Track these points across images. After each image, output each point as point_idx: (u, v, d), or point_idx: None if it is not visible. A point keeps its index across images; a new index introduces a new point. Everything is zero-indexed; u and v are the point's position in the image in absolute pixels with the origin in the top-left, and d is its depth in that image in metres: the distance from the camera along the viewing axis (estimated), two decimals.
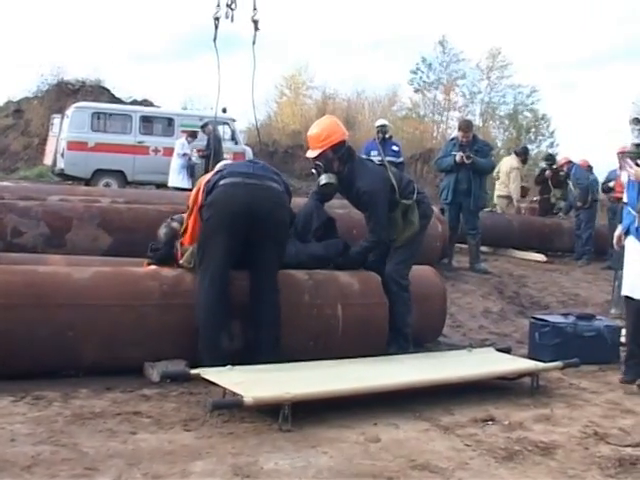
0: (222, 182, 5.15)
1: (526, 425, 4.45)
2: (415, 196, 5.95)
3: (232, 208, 5.08)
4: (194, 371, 4.54)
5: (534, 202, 15.25)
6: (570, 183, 13.84)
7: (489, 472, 3.64)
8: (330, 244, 5.95)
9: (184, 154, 15.90)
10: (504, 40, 44.13)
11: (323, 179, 5.79)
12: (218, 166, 5.47)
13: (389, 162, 13.50)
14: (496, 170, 14.70)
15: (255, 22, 6.83)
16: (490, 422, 4.46)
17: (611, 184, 11.95)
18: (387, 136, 13.40)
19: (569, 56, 51.15)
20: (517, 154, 14.85)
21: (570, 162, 14.15)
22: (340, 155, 5.77)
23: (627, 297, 5.69)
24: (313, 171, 6.01)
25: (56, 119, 20.26)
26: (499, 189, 14.47)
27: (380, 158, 13.28)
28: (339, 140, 5.75)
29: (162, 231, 5.53)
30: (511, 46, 65.73)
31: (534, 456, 3.92)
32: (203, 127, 16.23)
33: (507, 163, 14.55)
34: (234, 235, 5.11)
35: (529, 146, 24.67)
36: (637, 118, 5.04)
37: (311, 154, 5.83)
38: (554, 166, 14.89)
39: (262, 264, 5.22)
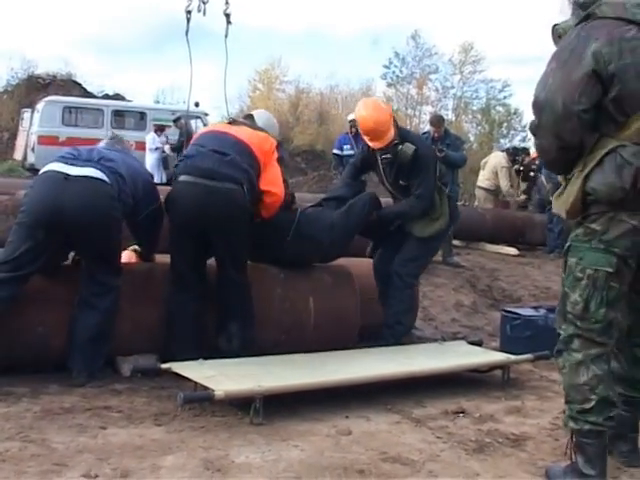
0: (179, 178, 5.04)
1: (497, 417, 4.47)
2: (448, 190, 5.98)
3: (181, 210, 4.99)
4: (165, 365, 4.52)
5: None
6: (542, 177, 13.90)
7: (460, 464, 3.66)
8: (358, 202, 5.81)
9: (156, 148, 15.83)
10: (477, 35, 44.35)
11: (408, 149, 5.64)
12: (186, 150, 5.39)
13: None
14: (483, 161, 14.80)
15: (227, 15, 6.81)
16: (461, 414, 4.47)
17: None
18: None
19: (539, 50, 51.20)
20: (508, 153, 14.90)
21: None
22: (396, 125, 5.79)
23: None
24: (386, 157, 5.82)
25: (26, 113, 20.11)
26: (481, 180, 14.49)
27: (353, 152, 13.38)
28: (391, 110, 5.80)
29: None
30: (483, 41, 65.89)
31: (505, 448, 3.94)
32: (175, 121, 16.17)
33: (496, 159, 14.55)
34: (188, 235, 5.02)
35: (502, 140, 24.84)
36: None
37: (386, 140, 5.69)
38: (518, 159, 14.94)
39: (219, 263, 5.14)
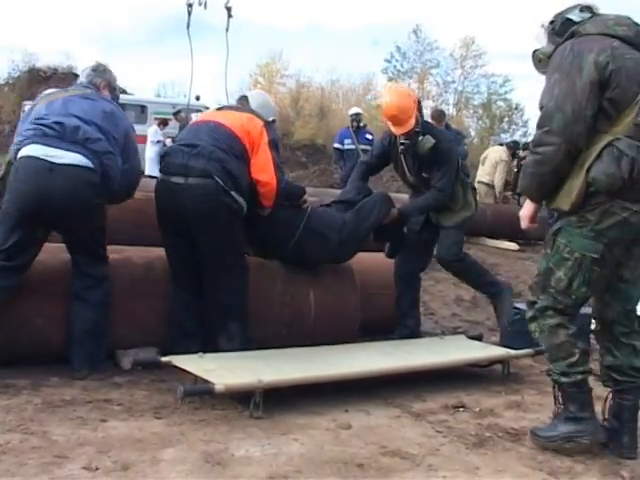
0: (159, 176, 5.03)
1: (497, 412, 4.48)
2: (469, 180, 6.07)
3: (158, 210, 4.95)
4: (165, 358, 4.52)
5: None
6: None
7: (460, 458, 3.66)
8: (369, 203, 5.76)
9: (158, 141, 15.83)
10: (478, 29, 44.32)
11: (427, 141, 5.66)
12: (167, 148, 5.38)
13: (363, 150, 13.64)
14: (483, 156, 14.79)
15: (228, 9, 6.82)
16: (461, 409, 4.48)
17: None
18: (361, 124, 13.42)
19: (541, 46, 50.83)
20: (508, 147, 14.91)
21: None
22: (422, 117, 5.81)
23: None
24: (405, 142, 5.78)
25: (27, 106, 20.02)
26: (481, 175, 14.49)
27: (354, 146, 13.38)
28: (417, 98, 5.75)
29: None
30: (485, 35, 65.88)
31: (504, 442, 3.95)
32: (176, 114, 16.17)
33: (496, 153, 14.56)
34: (172, 234, 4.98)
35: (503, 135, 24.83)
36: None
37: (406, 128, 5.66)
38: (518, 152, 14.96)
39: (203, 262, 4.97)
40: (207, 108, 19.79)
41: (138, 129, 19.04)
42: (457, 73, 40.17)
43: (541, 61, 3.98)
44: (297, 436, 3.81)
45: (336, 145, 13.74)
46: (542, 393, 4.94)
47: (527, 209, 4.10)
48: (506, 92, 39.81)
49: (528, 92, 41.36)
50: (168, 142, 16.08)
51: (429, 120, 6.04)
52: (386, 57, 40.19)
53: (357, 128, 13.38)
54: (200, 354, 4.58)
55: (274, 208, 5.19)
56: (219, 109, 5.38)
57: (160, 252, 5.14)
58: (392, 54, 39.88)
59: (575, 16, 3.85)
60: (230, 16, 6.78)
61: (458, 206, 5.96)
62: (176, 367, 4.42)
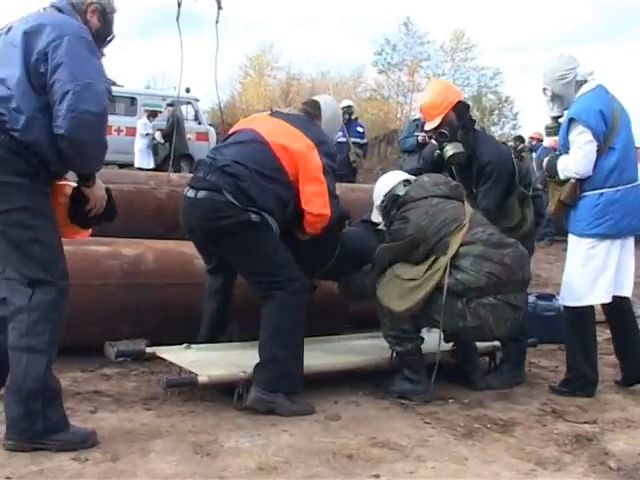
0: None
1: (485, 403, 4.50)
2: (532, 191, 5.33)
3: (181, 223, 4.56)
4: (150, 349, 4.53)
5: None
6: (534, 163, 13.95)
7: (448, 449, 3.68)
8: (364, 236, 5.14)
9: (147, 134, 15.82)
10: (468, 22, 44.39)
11: (450, 149, 5.08)
12: (198, 159, 4.89)
13: (354, 143, 13.61)
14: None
15: (218, 1, 6.77)
16: (450, 400, 4.50)
17: None
18: (352, 117, 13.41)
19: (531, 38, 51.31)
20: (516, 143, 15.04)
21: (540, 140, 14.29)
22: (464, 122, 5.18)
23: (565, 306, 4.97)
24: (433, 142, 5.37)
25: None
26: None
27: (345, 139, 13.35)
28: (458, 99, 5.17)
29: None
30: (475, 28, 65.93)
31: (493, 433, 3.97)
32: (171, 105, 16.20)
33: None
34: (197, 245, 4.70)
35: (492, 128, 24.86)
36: (545, 88, 4.68)
37: (431, 124, 5.15)
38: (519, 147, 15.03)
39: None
40: (197, 100, 19.84)
41: (128, 121, 19.12)
42: (447, 66, 40.38)
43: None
44: (286, 427, 3.82)
45: None
46: (530, 385, 4.97)
47: None
48: (496, 85, 40.01)
49: (518, 85, 41.49)
50: (157, 135, 16.10)
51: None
52: (376, 50, 40.21)
53: (348, 121, 13.34)
54: (185, 345, 4.58)
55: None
56: (271, 114, 4.73)
57: (150, 243, 5.14)
58: (382, 47, 39.89)
59: (400, 191, 4.68)
60: (220, 8, 6.72)
61: (514, 222, 5.24)
62: (162, 358, 4.43)
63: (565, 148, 4.74)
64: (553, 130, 4.95)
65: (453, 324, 4.33)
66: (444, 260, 4.31)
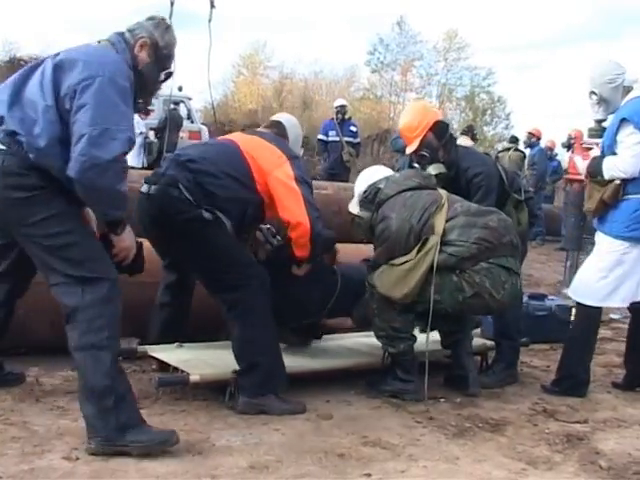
0: None
1: (477, 403, 4.51)
2: (523, 195, 5.26)
3: (135, 220, 4.31)
4: (141, 348, 4.53)
5: None
6: (525, 163, 14.00)
7: (440, 448, 3.68)
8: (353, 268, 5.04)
9: (140, 133, 15.78)
10: (461, 22, 44.39)
11: (432, 170, 5.02)
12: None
13: (347, 142, 13.61)
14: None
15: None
16: (441, 400, 4.51)
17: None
18: (346, 117, 13.41)
19: (524, 38, 51.36)
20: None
21: (539, 138, 14.35)
22: (445, 142, 5.09)
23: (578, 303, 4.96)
24: (416, 166, 5.30)
25: None
26: None
27: (338, 138, 13.36)
28: (435, 120, 5.08)
29: None
30: (468, 28, 65.90)
31: (484, 432, 3.98)
32: (165, 104, 16.25)
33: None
34: (151, 240, 4.47)
35: (485, 128, 24.91)
36: (592, 91, 4.71)
37: (411, 148, 5.11)
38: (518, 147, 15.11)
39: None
40: (190, 99, 19.81)
41: None
42: (440, 65, 40.30)
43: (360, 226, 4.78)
44: (278, 426, 3.82)
45: (320, 137, 13.72)
46: (522, 384, 4.99)
47: None
48: (489, 85, 40.00)
49: (511, 85, 41.59)
50: (151, 134, 16.08)
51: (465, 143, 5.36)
52: (369, 49, 40.20)
53: (342, 120, 13.38)
54: (177, 344, 4.58)
55: (311, 262, 4.54)
56: (244, 131, 4.88)
57: (142, 242, 5.12)
58: (375, 46, 39.87)
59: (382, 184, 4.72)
60: (213, 6, 6.72)
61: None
62: (153, 357, 4.43)
63: (610, 149, 4.73)
64: (596, 133, 5.05)
65: (453, 300, 4.32)
66: (434, 239, 4.35)
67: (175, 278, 4.73)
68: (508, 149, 15.09)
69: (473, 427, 4.04)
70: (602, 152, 4.84)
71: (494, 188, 5.04)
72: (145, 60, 3.60)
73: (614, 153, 4.67)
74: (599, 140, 4.97)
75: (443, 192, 4.65)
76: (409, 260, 4.35)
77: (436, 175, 4.99)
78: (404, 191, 4.61)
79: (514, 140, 16.38)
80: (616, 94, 4.76)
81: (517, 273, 4.47)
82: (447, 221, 4.40)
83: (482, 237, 4.32)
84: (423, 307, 4.38)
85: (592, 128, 5.09)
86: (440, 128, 5.09)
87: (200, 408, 4.03)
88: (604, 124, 4.94)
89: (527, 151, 14.92)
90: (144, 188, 4.30)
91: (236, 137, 4.62)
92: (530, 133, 15.04)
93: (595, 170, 4.80)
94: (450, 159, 5.10)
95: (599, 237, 4.84)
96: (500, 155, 14.53)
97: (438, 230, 4.37)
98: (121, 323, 4.80)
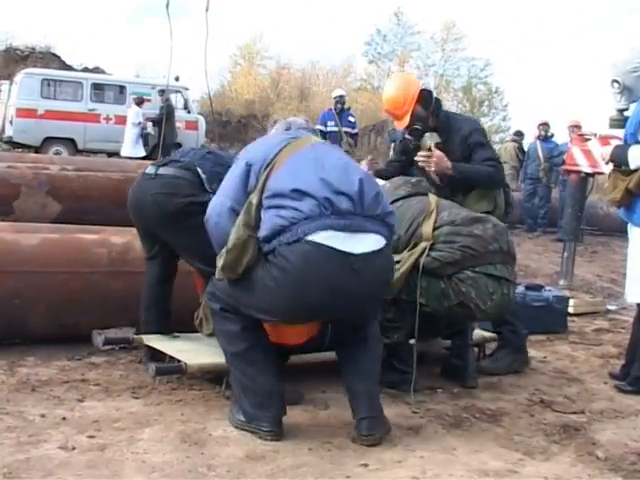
0: None
1: (474, 393, 4.50)
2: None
3: (130, 204, 4.51)
4: (137, 337, 4.52)
5: None
6: (539, 152, 14.05)
7: (437, 439, 3.68)
8: None
9: (138, 123, 15.78)
10: (459, 12, 44.32)
11: (429, 140, 5.06)
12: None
13: (345, 132, 13.60)
14: None
15: None
16: (438, 390, 4.50)
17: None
18: (345, 107, 13.41)
19: (521, 29, 51.35)
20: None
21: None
22: (432, 109, 5.12)
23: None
24: (409, 137, 5.28)
25: (4, 85, 19.88)
26: None
27: (337, 128, 13.36)
28: (419, 90, 5.06)
29: None
30: (466, 19, 65.86)
31: (481, 423, 3.97)
32: (162, 92, 16.28)
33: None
34: (141, 226, 4.56)
35: (482, 119, 24.86)
36: (614, 80, 4.63)
37: (402, 124, 5.13)
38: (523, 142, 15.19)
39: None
40: (187, 89, 19.77)
41: (117, 109, 19.09)
42: (437, 56, 40.31)
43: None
44: None
45: (319, 127, 13.69)
46: (518, 375, 4.98)
47: None
48: (486, 76, 39.98)
49: (508, 76, 41.55)
50: (149, 125, 16.07)
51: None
52: (366, 40, 40.15)
53: (340, 110, 13.38)
54: (173, 334, 4.56)
55: None
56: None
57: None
58: (372, 37, 39.82)
59: None
60: None
61: (490, 208, 5.13)
62: (149, 347, 4.42)
63: (634, 138, 4.62)
64: (617, 123, 4.93)
65: (439, 305, 4.30)
66: (424, 244, 4.32)
67: (163, 271, 4.65)
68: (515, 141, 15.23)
69: (470, 417, 4.03)
70: (625, 141, 4.73)
71: (487, 141, 5.22)
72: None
73: (638, 142, 4.58)
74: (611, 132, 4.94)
75: (433, 198, 4.61)
76: (399, 261, 4.30)
77: (436, 145, 5.04)
78: (394, 201, 4.52)
79: (519, 134, 16.40)
80: (639, 82, 4.70)
81: (509, 281, 4.37)
82: (434, 230, 4.36)
83: (466, 245, 4.27)
84: (411, 308, 4.34)
85: (613, 117, 4.94)
86: (425, 97, 5.12)
87: (197, 398, 4.02)
88: (626, 113, 4.82)
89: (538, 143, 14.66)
90: (150, 169, 4.39)
91: None
92: (544, 124, 14.77)
93: (620, 159, 4.67)
94: (440, 124, 5.15)
95: (632, 230, 4.77)
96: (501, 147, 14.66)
97: (427, 237, 4.34)
98: (115, 312, 4.85)
